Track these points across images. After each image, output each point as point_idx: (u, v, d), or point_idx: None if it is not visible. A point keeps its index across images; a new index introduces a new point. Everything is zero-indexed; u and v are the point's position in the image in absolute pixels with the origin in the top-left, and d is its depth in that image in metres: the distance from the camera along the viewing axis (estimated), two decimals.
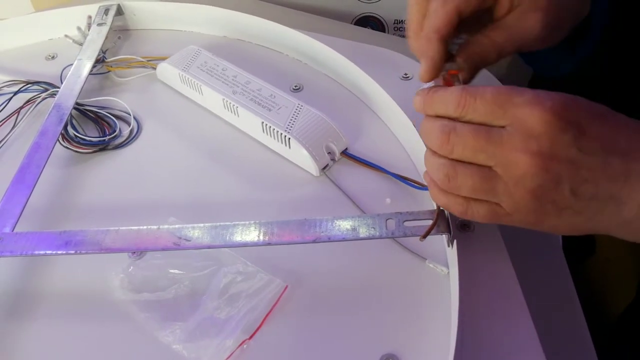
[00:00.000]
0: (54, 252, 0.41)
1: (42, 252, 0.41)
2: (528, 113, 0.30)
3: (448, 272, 0.42)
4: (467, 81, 0.38)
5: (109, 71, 0.62)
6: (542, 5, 0.38)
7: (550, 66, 0.47)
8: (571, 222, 0.32)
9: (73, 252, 0.41)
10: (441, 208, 0.41)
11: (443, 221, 0.40)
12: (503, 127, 0.31)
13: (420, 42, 0.38)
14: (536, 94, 0.31)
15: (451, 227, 0.40)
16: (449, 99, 0.33)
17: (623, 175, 0.30)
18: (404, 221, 0.40)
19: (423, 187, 0.47)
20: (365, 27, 0.81)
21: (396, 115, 0.51)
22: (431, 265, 0.42)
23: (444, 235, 0.42)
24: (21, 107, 0.57)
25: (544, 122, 0.30)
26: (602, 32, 0.43)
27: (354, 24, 0.82)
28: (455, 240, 0.39)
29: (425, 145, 0.35)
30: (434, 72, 0.37)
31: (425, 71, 0.37)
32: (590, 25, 0.43)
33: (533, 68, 0.48)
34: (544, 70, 0.48)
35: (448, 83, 0.37)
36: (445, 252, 0.43)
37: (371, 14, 0.81)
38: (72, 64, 0.60)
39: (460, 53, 0.38)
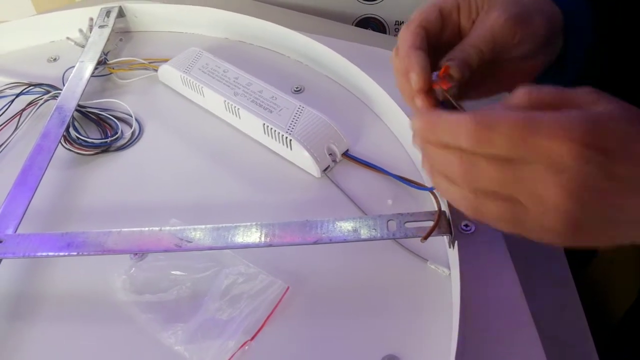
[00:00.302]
0: (56, 253, 0.41)
1: (44, 253, 0.41)
2: (553, 146, 0.28)
3: (449, 273, 0.42)
4: (461, 81, 0.39)
5: (110, 73, 0.62)
6: (499, 1, 0.39)
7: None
8: (596, 240, 0.31)
9: (75, 253, 0.41)
10: (442, 209, 0.41)
11: (444, 222, 0.40)
12: (524, 158, 0.29)
13: (402, 62, 0.39)
14: (557, 120, 0.28)
15: (452, 229, 0.40)
16: (460, 131, 0.30)
17: None
18: (405, 222, 0.40)
19: (424, 188, 0.47)
20: (366, 28, 0.81)
21: (397, 117, 0.51)
22: (432, 267, 0.42)
23: (445, 237, 0.42)
24: (23, 109, 0.57)
25: (572, 154, 0.28)
26: (588, 50, 0.43)
27: (355, 26, 0.82)
28: (456, 242, 0.39)
29: (433, 171, 0.33)
30: (425, 79, 0.38)
31: (417, 80, 0.38)
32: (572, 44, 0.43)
33: None
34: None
35: (444, 84, 0.38)
36: (446, 253, 0.43)
37: (372, 16, 0.81)
38: (74, 66, 0.60)
39: (444, 60, 0.39)
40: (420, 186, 0.47)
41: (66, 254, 0.41)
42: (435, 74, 0.39)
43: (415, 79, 0.38)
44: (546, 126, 0.28)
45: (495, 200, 0.31)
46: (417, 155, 0.50)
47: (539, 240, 0.32)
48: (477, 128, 0.30)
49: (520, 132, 0.29)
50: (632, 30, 0.44)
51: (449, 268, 0.42)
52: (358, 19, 0.82)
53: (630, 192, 0.29)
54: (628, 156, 0.28)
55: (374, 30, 0.81)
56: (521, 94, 0.31)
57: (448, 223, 0.40)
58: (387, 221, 0.40)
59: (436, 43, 0.42)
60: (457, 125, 0.31)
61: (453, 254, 0.40)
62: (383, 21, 0.81)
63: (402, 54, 0.40)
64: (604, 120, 0.29)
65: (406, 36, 0.40)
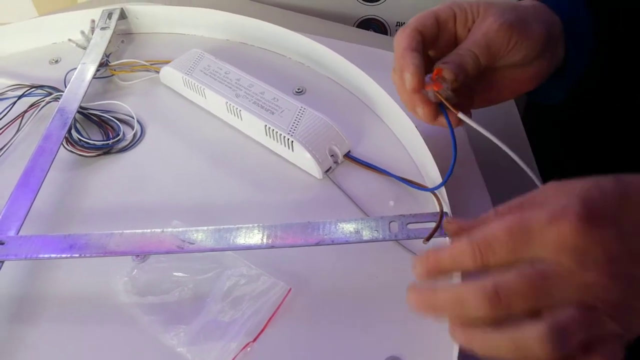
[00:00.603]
0: (59, 255, 0.41)
1: (46, 255, 0.41)
2: (557, 236, 0.27)
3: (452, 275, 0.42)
4: (455, 91, 0.40)
5: (112, 75, 0.62)
6: (495, 8, 0.40)
7: (542, 94, 0.47)
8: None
9: (77, 255, 0.41)
10: (444, 210, 0.41)
11: None
12: (538, 258, 0.28)
13: (397, 62, 0.40)
14: (551, 209, 0.28)
15: None
16: (459, 257, 0.30)
17: None
18: (407, 224, 0.40)
19: (425, 189, 0.47)
20: (368, 29, 0.81)
21: (399, 118, 0.51)
22: None
23: (447, 238, 0.42)
24: (25, 111, 0.57)
25: (580, 236, 0.27)
26: (589, 56, 0.43)
27: (356, 27, 0.82)
28: None
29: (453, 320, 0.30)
30: (419, 78, 0.39)
31: (410, 80, 0.39)
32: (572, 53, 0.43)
33: (527, 96, 0.48)
34: (536, 97, 0.48)
35: (436, 85, 0.39)
36: None
37: (373, 17, 0.81)
38: (75, 68, 0.60)
39: (438, 63, 0.40)
40: (421, 187, 0.47)
41: (68, 255, 0.41)
42: (428, 76, 0.39)
43: (409, 78, 0.39)
44: (542, 217, 0.28)
45: (537, 325, 0.27)
46: (419, 156, 0.50)
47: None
48: (473, 244, 0.29)
49: (518, 236, 0.28)
50: (632, 35, 0.44)
51: None
52: (359, 20, 0.82)
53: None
54: (626, 216, 0.27)
55: (375, 31, 0.81)
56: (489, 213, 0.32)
57: None
58: (389, 222, 0.40)
59: (432, 49, 0.42)
60: (455, 250, 0.30)
61: None
62: (384, 22, 0.82)
63: (397, 55, 0.41)
64: (597, 189, 0.28)
65: (401, 39, 0.41)
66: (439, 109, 0.41)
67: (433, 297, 0.31)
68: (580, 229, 0.27)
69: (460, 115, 0.40)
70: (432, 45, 0.43)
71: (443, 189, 0.43)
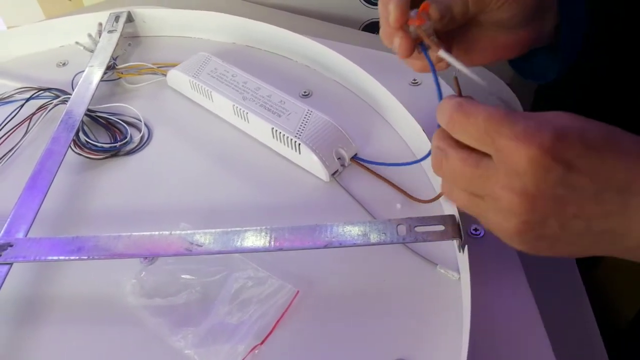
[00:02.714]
0: (67, 257, 0.41)
1: (54, 257, 0.41)
2: (514, 148, 0.28)
3: (459, 278, 0.42)
4: (442, 26, 0.38)
5: (119, 78, 0.63)
6: None
7: (536, 73, 0.46)
8: (568, 250, 0.31)
9: (86, 257, 0.41)
10: (451, 214, 0.41)
11: (454, 227, 0.40)
12: (490, 155, 0.30)
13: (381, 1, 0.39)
14: (527, 126, 0.29)
15: (462, 233, 0.40)
16: (444, 111, 0.32)
17: (619, 210, 0.28)
18: (415, 227, 0.40)
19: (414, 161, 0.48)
20: (373, 33, 0.81)
21: (405, 121, 0.51)
22: (442, 271, 0.42)
23: (454, 241, 0.42)
24: (33, 114, 0.58)
25: (529, 160, 0.28)
26: (583, 38, 0.43)
27: (362, 30, 0.82)
28: (466, 246, 0.39)
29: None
30: (402, 11, 0.37)
31: (393, 12, 0.37)
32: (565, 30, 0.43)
33: (520, 74, 0.48)
34: (530, 76, 0.48)
35: (419, 19, 0.37)
36: (455, 257, 0.43)
37: (379, 20, 0.81)
38: (83, 71, 0.60)
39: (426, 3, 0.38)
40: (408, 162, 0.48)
41: (77, 258, 0.41)
42: (414, 11, 0.38)
43: (392, 10, 0.37)
44: (515, 128, 0.29)
45: (463, 192, 0.33)
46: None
47: (504, 241, 0.33)
48: (456, 111, 0.31)
49: (491, 127, 0.30)
50: (629, 18, 0.44)
51: (458, 272, 0.42)
52: (365, 24, 0.82)
53: (589, 201, 0.29)
54: (585, 169, 0.28)
55: None
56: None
57: (458, 227, 0.40)
58: (397, 225, 0.40)
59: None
60: (445, 104, 0.33)
61: (463, 259, 0.40)
62: None
63: None
64: (574, 131, 0.29)
65: None
66: (416, 44, 0.39)
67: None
68: (530, 156, 0.28)
69: (442, 53, 0.37)
70: None
71: None
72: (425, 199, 0.47)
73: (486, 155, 0.31)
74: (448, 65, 0.38)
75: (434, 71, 0.39)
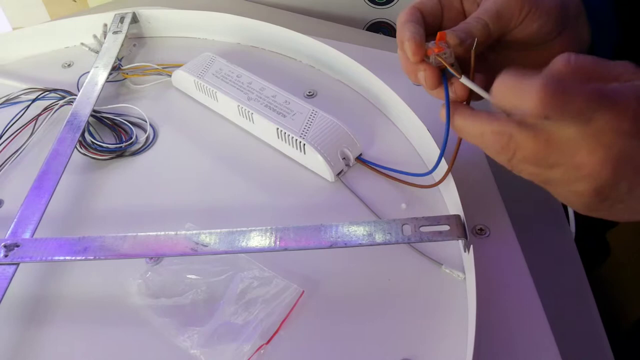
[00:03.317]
0: (73, 258, 0.41)
1: (61, 258, 0.42)
2: (604, 118, 0.29)
3: (464, 278, 0.42)
4: (464, 52, 0.38)
5: (124, 78, 0.63)
6: None
7: None
8: (625, 215, 0.33)
9: (92, 257, 0.41)
10: (456, 214, 0.41)
11: (459, 226, 0.40)
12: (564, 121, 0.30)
13: (397, 36, 0.39)
14: (607, 92, 0.29)
15: (467, 233, 0.40)
16: (531, 92, 0.30)
17: None
18: (420, 226, 0.40)
19: (423, 174, 0.47)
20: (377, 32, 0.81)
21: (410, 121, 0.51)
22: (447, 271, 0.42)
23: (460, 241, 0.42)
24: (39, 115, 0.58)
25: (620, 128, 0.29)
26: (615, 48, 0.43)
27: (366, 30, 0.82)
28: (471, 246, 0.39)
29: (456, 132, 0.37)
30: (417, 44, 0.37)
31: (409, 47, 0.38)
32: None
33: None
34: None
35: (437, 47, 0.37)
36: (460, 257, 0.43)
37: (383, 20, 0.81)
38: (88, 72, 0.60)
39: (442, 32, 0.38)
40: (418, 173, 0.47)
41: (83, 258, 0.41)
42: (432, 42, 0.38)
43: (408, 45, 0.38)
44: (597, 94, 0.29)
45: (531, 165, 0.33)
46: (430, 159, 0.50)
47: (563, 201, 0.34)
48: (551, 97, 0.29)
49: (592, 105, 0.29)
50: None
51: (463, 272, 0.42)
52: (369, 24, 0.82)
53: None
54: None
55: (385, 34, 0.81)
56: (561, 62, 0.32)
57: (463, 227, 0.40)
58: (402, 225, 0.41)
59: (437, 28, 0.41)
60: (526, 91, 0.30)
61: (468, 258, 0.40)
62: (394, 25, 0.82)
63: (397, 29, 0.40)
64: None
65: (400, 16, 0.40)
66: (441, 74, 0.39)
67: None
68: (623, 124, 0.29)
69: (463, 80, 0.37)
70: (437, 25, 0.41)
71: (455, 190, 0.43)
72: (427, 194, 0.47)
73: (558, 125, 0.30)
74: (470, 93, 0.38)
75: (448, 101, 0.38)
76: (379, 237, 0.40)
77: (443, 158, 0.43)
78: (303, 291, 0.41)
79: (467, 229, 0.40)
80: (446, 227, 0.40)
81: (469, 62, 0.37)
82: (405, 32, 0.38)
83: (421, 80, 0.39)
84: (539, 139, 0.31)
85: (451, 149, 0.42)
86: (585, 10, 0.41)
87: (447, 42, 0.37)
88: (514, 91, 0.31)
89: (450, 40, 0.37)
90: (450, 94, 0.39)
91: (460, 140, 0.42)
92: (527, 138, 0.31)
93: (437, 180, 0.46)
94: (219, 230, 0.42)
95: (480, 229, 0.45)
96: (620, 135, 0.29)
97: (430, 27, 0.40)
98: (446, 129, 0.38)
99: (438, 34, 0.37)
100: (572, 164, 0.31)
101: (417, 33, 0.38)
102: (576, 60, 0.31)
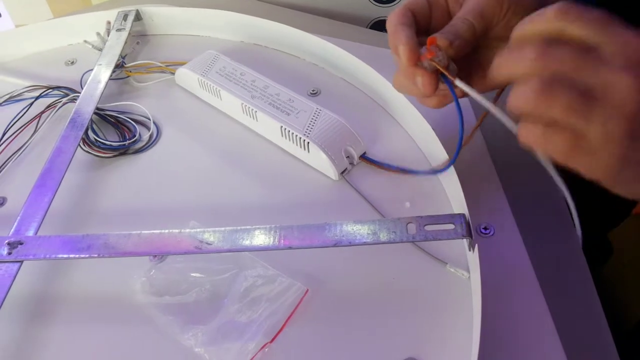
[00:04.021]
0: (77, 255, 0.41)
1: (64, 255, 0.41)
2: (633, 36, 0.29)
3: (469, 277, 0.42)
4: (455, 52, 0.39)
5: (128, 76, 0.63)
6: None
7: None
8: None
9: (96, 255, 0.41)
10: (461, 212, 0.41)
11: (464, 225, 0.40)
12: (602, 47, 0.30)
13: (390, 40, 0.40)
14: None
15: (472, 231, 0.40)
16: (549, 8, 0.31)
17: None
18: (425, 225, 0.40)
19: (435, 171, 0.47)
20: (381, 31, 0.81)
21: (414, 119, 0.51)
22: (452, 270, 0.42)
23: (464, 240, 0.42)
24: (42, 112, 0.58)
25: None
26: None
27: (369, 28, 0.82)
28: (476, 245, 0.39)
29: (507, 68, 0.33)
30: (412, 49, 0.38)
31: (404, 51, 0.38)
32: None
33: None
34: None
35: (429, 53, 0.38)
36: (465, 256, 0.43)
37: (386, 18, 0.81)
38: (91, 69, 0.60)
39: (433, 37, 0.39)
40: (431, 171, 0.47)
41: (86, 256, 0.41)
42: (424, 48, 0.39)
43: (402, 50, 0.39)
44: (630, 29, 0.29)
45: (566, 87, 0.30)
46: (434, 157, 0.50)
47: (594, 169, 0.31)
48: (567, 4, 0.31)
49: (607, 20, 0.30)
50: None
51: (468, 271, 0.42)
52: (372, 22, 0.82)
53: None
54: None
55: None
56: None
57: (468, 226, 0.40)
58: (407, 224, 0.40)
59: (426, 28, 0.42)
60: (546, 7, 0.31)
61: (473, 257, 0.40)
62: None
63: (389, 33, 0.40)
64: None
65: (392, 17, 0.41)
66: (439, 78, 0.40)
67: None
68: None
69: (458, 83, 0.38)
70: (427, 25, 0.42)
71: (459, 188, 0.43)
72: (432, 192, 0.47)
73: (598, 49, 0.30)
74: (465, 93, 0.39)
75: (457, 101, 0.39)
76: (383, 236, 0.40)
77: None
78: (307, 290, 0.41)
79: (471, 228, 0.40)
80: (451, 226, 0.40)
81: (457, 63, 0.39)
82: (400, 37, 0.39)
83: (419, 85, 0.40)
84: (579, 49, 0.30)
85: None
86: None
87: (438, 45, 0.38)
88: (534, 15, 0.32)
89: (441, 43, 0.38)
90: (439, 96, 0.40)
91: (471, 136, 0.43)
92: (565, 49, 0.30)
93: (443, 181, 0.47)
94: (222, 229, 0.42)
95: (485, 228, 0.45)
96: None
97: (419, 27, 0.41)
98: (460, 133, 0.38)
99: (428, 39, 0.39)
100: (608, 81, 0.29)
101: (411, 38, 0.39)
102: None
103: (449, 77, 0.38)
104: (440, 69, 0.38)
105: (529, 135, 0.32)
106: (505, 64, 0.32)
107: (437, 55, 0.38)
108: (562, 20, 0.31)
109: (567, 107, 0.30)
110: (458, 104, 0.39)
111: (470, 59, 0.42)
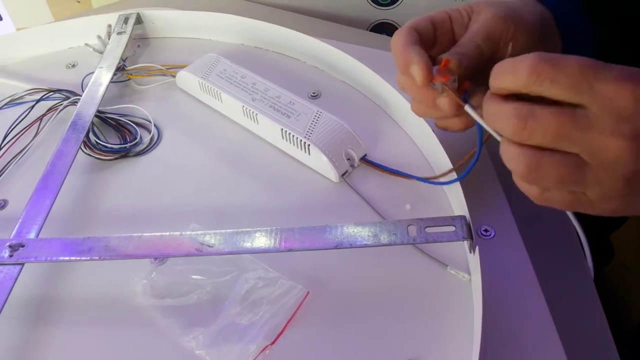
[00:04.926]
0: (78, 258, 0.41)
1: (65, 258, 0.41)
2: (618, 90, 0.27)
3: (470, 279, 0.42)
4: (463, 73, 0.38)
5: (129, 79, 0.63)
6: (485, 1, 0.41)
7: None
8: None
9: (97, 258, 0.41)
10: (462, 214, 0.41)
11: (465, 227, 0.40)
12: (584, 106, 0.28)
13: (399, 59, 0.39)
14: (625, 69, 0.28)
15: (473, 234, 0.40)
16: (521, 67, 0.29)
17: None
18: (426, 227, 0.40)
19: (442, 182, 0.47)
20: (381, 34, 0.81)
21: (414, 121, 0.51)
22: (452, 272, 0.42)
23: (465, 242, 0.42)
24: (43, 115, 0.58)
25: (637, 100, 0.27)
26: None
27: (369, 31, 0.82)
28: (477, 247, 0.39)
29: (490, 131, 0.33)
30: (427, 68, 0.38)
31: (419, 72, 0.38)
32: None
33: None
34: None
35: (443, 76, 0.37)
36: (466, 258, 0.43)
37: (386, 21, 0.81)
38: (92, 72, 0.60)
39: (442, 55, 0.39)
40: (438, 181, 0.47)
41: (87, 258, 0.41)
42: (435, 68, 0.38)
43: (417, 70, 0.38)
44: (614, 72, 0.27)
45: (553, 155, 0.29)
46: (434, 159, 0.50)
47: (599, 212, 0.31)
48: (541, 61, 0.28)
49: (587, 72, 0.28)
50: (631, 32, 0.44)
51: (469, 273, 0.42)
52: (373, 25, 0.82)
53: None
54: None
55: (388, 35, 0.81)
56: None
57: (468, 228, 0.40)
58: (407, 226, 0.40)
59: (430, 50, 0.42)
60: (519, 61, 0.29)
61: (473, 259, 0.40)
62: (398, 26, 0.82)
63: (397, 53, 0.40)
64: None
65: (399, 37, 0.40)
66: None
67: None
68: (637, 95, 0.27)
69: (467, 109, 0.37)
70: (431, 46, 0.42)
71: (460, 191, 0.43)
72: (432, 195, 0.47)
73: (579, 107, 0.28)
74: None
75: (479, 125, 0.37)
76: (384, 238, 0.40)
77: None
78: (308, 292, 0.41)
79: (472, 230, 0.40)
80: (451, 228, 0.40)
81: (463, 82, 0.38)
82: (411, 56, 0.38)
83: (442, 106, 0.39)
84: (563, 114, 0.28)
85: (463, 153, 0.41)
86: (555, 20, 0.43)
87: (451, 68, 0.38)
88: (508, 69, 0.30)
89: (454, 67, 0.38)
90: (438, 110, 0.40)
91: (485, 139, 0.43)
92: (550, 114, 0.29)
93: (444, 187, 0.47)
94: (223, 231, 0.42)
95: (485, 230, 0.45)
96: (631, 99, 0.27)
97: (424, 47, 0.40)
98: (479, 142, 0.38)
99: (443, 61, 0.38)
100: (599, 146, 0.28)
101: (423, 55, 0.38)
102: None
103: (460, 101, 0.37)
104: (453, 93, 0.38)
105: (527, 191, 0.33)
106: (490, 119, 0.32)
107: (450, 79, 0.38)
108: (537, 83, 0.29)
109: (559, 179, 0.30)
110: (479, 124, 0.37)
111: (475, 78, 0.41)
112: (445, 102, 0.39)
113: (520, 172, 0.31)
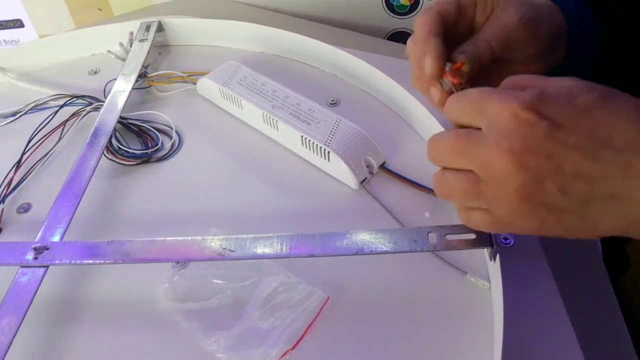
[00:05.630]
0: (102, 261, 0.42)
1: (89, 261, 0.42)
2: (500, 110, 0.30)
3: (489, 286, 0.42)
4: (469, 75, 0.39)
5: (150, 86, 0.64)
6: (512, 2, 0.41)
7: None
8: (579, 226, 0.30)
9: (120, 261, 0.42)
10: None
11: (485, 235, 0.40)
12: (481, 128, 0.31)
13: (418, 46, 0.40)
14: (513, 91, 0.31)
15: (493, 241, 0.40)
16: (449, 100, 0.35)
17: (621, 172, 0.28)
18: (446, 234, 0.40)
19: None
20: (399, 42, 0.82)
21: (433, 129, 0.52)
22: (472, 279, 0.42)
23: (485, 250, 0.42)
24: (67, 120, 0.59)
25: (512, 117, 0.29)
26: (593, 58, 0.44)
27: (387, 40, 0.83)
28: (497, 255, 0.39)
29: None
30: (439, 66, 0.38)
31: (431, 66, 0.38)
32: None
33: None
34: None
35: (454, 78, 0.38)
36: (485, 266, 0.43)
37: (404, 30, 0.82)
38: (115, 79, 0.61)
39: (456, 52, 0.39)
40: None
41: (111, 261, 0.42)
42: (449, 64, 0.39)
43: (430, 64, 0.38)
44: (503, 94, 0.30)
45: (454, 173, 0.33)
46: None
47: (519, 231, 0.33)
48: (453, 96, 0.34)
49: (482, 98, 0.31)
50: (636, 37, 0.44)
51: (488, 281, 0.42)
52: (390, 33, 0.83)
53: (585, 160, 0.28)
54: (575, 127, 0.29)
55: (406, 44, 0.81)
56: (506, 80, 0.34)
57: (489, 236, 0.40)
58: (428, 233, 0.41)
59: (451, 34, 0.42)
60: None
61: (494, 267, 0.40)
62: None
63: (419, 38, 0.40)
64: (556, 92, 0.30)
65: (424, 22, 0.40)
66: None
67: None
68: (514, 113, 0.29)
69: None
70: (452, 31, 0.42)
71: None
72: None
73: (478, 129, 0.32)
74: None
75: None
76: (405, 245, 0.40)
77: None
78: (328, 297, 0.42)
79: (493, 238, 0.40)
80: (472, 236, 0.40)
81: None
82: (431, 49, 0.39)
83: (432, 97, 0.41)
84: (460, 136, 0.32)
85: None
86: (568, 24, 0.43)
87: (462, 70, 0.38)
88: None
89: (466, 70, 0.38)
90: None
91: None
92: (449, 137, 0.33)
93: None
94: (244, 236, 0.42)
95: (505, 238, 0.44)
96: (521, 124, 0.29)
97: (446, 33, 0.41)
98: None
99: (459, 62, 0.38)
100: (486, 163, 0.31)
101: (441, 54, 0.39)
102: (517, 78, 0.33)
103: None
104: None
105: (459, 216, 0.36)
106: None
107: (462, 82, 0.38)
108: (452, 112, 0.34)
109: (462, 193, 0.33)
110: None
111: (484, 73, 0.41)
112: (437, 97, 0.40)
113: (435, 189, 0.36)
